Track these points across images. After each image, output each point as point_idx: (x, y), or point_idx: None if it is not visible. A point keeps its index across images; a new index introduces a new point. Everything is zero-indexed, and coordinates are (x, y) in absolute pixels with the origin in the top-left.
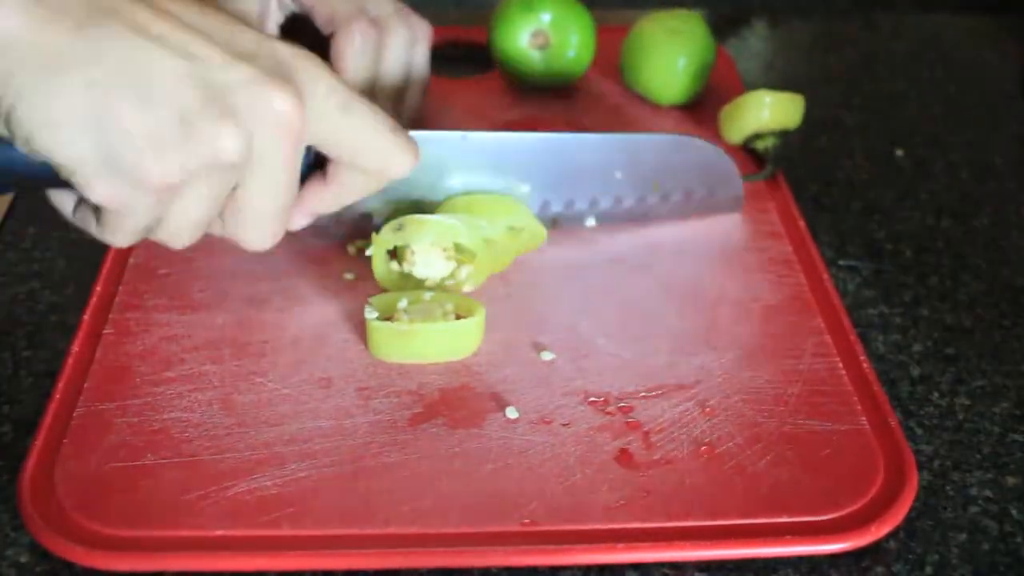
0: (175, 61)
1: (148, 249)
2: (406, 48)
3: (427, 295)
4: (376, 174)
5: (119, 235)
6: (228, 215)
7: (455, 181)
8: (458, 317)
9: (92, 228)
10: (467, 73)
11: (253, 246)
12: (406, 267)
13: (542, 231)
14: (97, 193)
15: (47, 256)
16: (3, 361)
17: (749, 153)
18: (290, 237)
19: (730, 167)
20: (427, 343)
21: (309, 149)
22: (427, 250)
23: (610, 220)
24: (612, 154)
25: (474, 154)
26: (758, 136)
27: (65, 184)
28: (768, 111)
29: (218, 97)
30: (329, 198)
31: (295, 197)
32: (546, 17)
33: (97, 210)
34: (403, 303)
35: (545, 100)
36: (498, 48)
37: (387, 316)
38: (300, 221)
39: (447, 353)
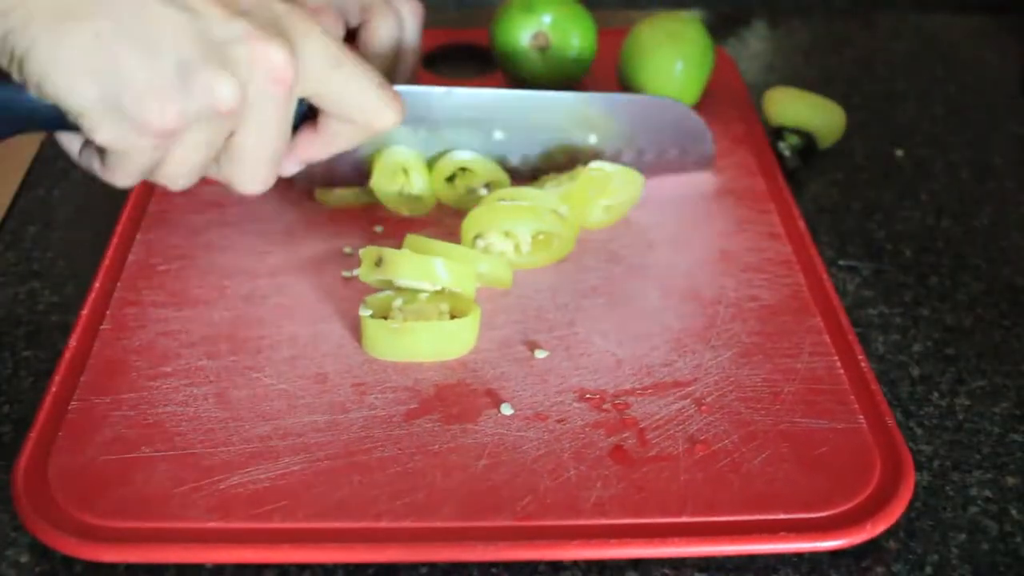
0: (177, 16)
1: (147, 246)
2: (392, 29)
3: (423, 295)
4: (363, 126)
5: (120, 175)
6: (223, 160)
7: (440, 135)
8: (453, 317)
9: (96, 168)
10: (467, 73)
11: (246, 189)
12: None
13: (572, 238)
14: (102, 136)
15: (47, 256)
16: (3, 361)
17: (773, 148)
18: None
19: (701, 127)
20: (419, 341)
21: (302, 101)
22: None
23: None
24: (589, 110)
25: (456, 109)
26: (784, 131)
27: (72, 127)
28: (793, 109)
29: (216, 50)
30: (318, 147)
31: (287, 145)
32: (547, 19)
33: (101, 152)
34: (398, 301)
35: None
36: (499, 49)
37: (383, 314)
38: (291, 168)
39: (440, 352)
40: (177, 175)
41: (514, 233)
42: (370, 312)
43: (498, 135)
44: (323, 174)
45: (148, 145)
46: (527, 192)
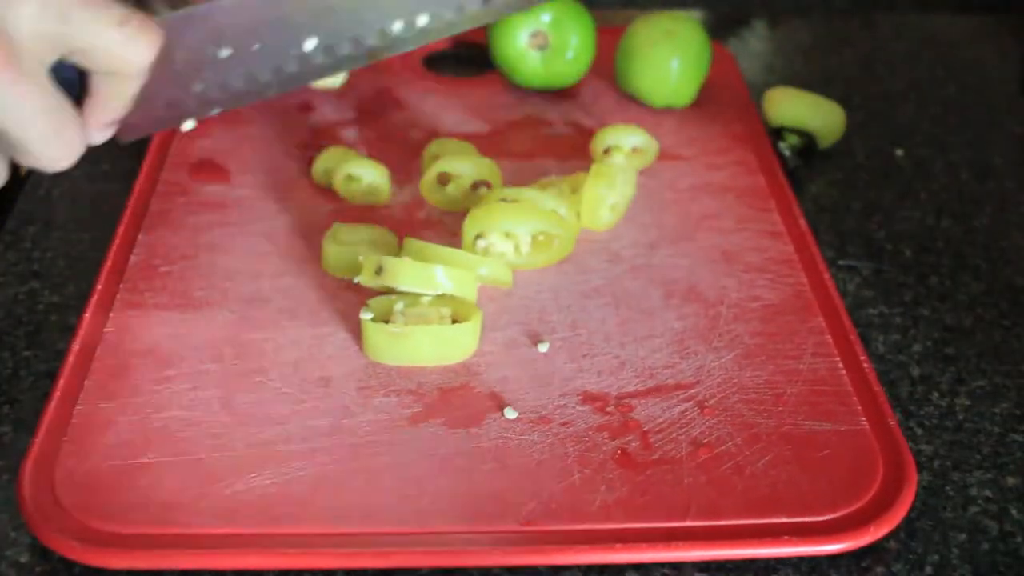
0: None
1: (148, 247)
2: None
3: (425, 299)
4: (118, 72)
5: None
6: (12, 152)
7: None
8: (455, 321)
9: None
10: (467, 73)
11: (50, 168)
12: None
13: (572, 240)
14: None
15: (47, 256)
16: (3, 361)
17: (773, 148)
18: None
19: None
20: (420, 346)
21: (67, 67)
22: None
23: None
24: None
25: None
26: (784, 131)
27: None
28: (793, 109)
29: None
30: (99, 108)
31: (70, 113)
32: (546, 17)
33: None
34: (399, 305)
35: (545, 100)
36: (497, 48)
37: (384, 317)
38: (97, 136)
39: (440, 357)
40: None
41: (514, 234)
42: (371, 316)
43: (309, 43)
44: (141, 124)
45: None
46: (528, 193)
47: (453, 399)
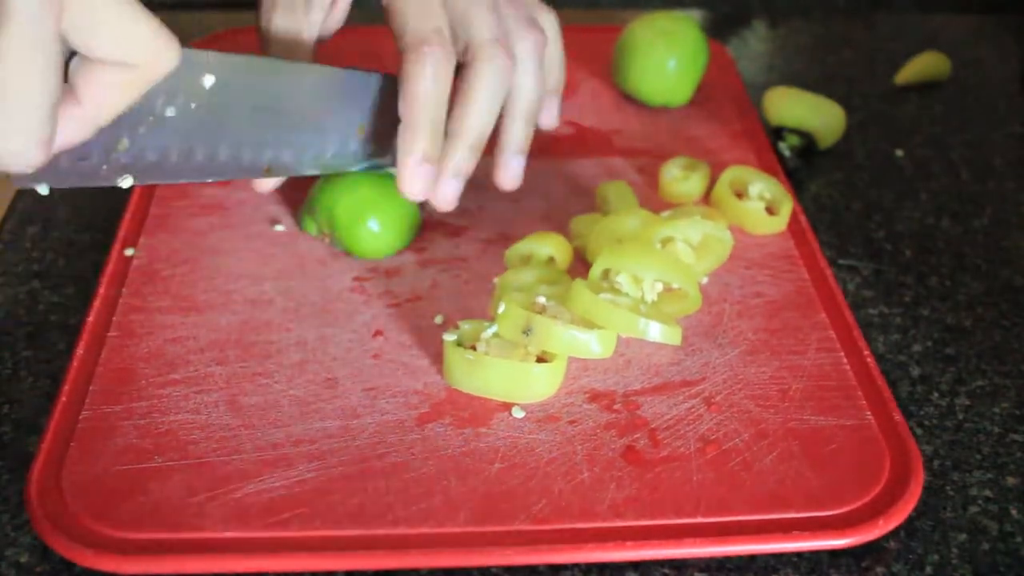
0: None
1: (151, 251)
2: (496, 91)
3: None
4: (141, 67)
5: None
6: None
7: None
8: (539, 361)
9: None
10: None
11: (14, 160)
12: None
13: (699, 297)
14: None
15: (47, 256)
16: (3, 361)
17: (773, 148)
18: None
19: None
20: (491, 377)
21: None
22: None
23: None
24: (319, 93)
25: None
26: (784, 131)
27: None
28: (793, 109)
29: None
30: (88, 106)
31: (48, 94)
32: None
33: None
34: (488, 333)
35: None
36: None
37: (471, 343)
38: (60, 140)
39: (511, 394)
40: None
41: (640, 279)
42: (455, 337)
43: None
44: (69, 169)
45: None
46: (683, 226)
47: (460, 399)
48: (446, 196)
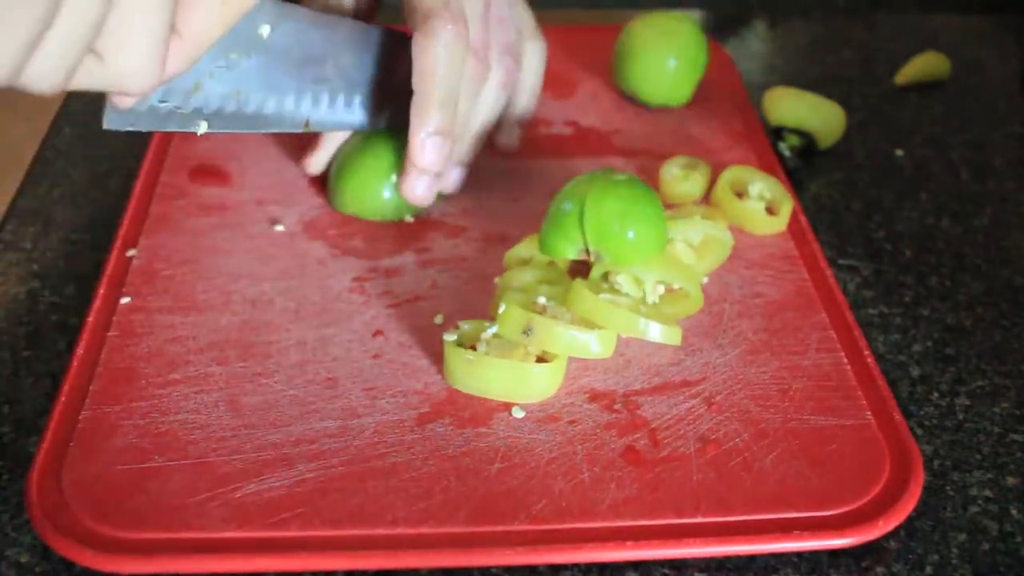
0: None
1: (150, 250)
2: (501, 87)
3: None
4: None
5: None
6: (103, 45)
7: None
8: (539, 361)
9: None
10: None
11: (135, 79)
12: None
13: (700, 297)
14: None
15: (47, 256)
16: (3, 361)
17: (773, 148)
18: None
19: None
20: (491, 377)
21: None
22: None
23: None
24: (358, 48)
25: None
26: (784, 131)
27: None
28: (793, 109)
29: None
30: (188, 40)
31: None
32: None
33: None
34: (488, 333)
35: (544, 100)
36: None
37: (472, 343)
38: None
39: (511, 394)
40: (49, 64)
41: (641, 280)
42: (455, 338)
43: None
44: (155, 110)
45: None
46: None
47: (460, 398)
48: (452, 180)
